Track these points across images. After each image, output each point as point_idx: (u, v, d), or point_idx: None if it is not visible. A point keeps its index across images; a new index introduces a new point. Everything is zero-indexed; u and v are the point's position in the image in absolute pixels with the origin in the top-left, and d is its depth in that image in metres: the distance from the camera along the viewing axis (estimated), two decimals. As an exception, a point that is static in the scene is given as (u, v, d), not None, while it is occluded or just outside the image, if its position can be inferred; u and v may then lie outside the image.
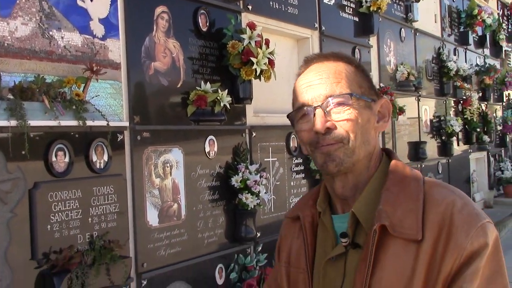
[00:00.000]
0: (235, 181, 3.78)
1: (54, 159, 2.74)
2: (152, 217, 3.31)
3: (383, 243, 1.15)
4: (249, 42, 3.79)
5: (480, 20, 9.01)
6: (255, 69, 3.76)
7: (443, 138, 7.86)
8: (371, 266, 1.14)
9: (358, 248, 1.21)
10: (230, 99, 3.70)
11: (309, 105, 1.23)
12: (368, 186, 1.24)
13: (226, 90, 3.70)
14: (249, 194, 3.78)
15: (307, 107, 1.23)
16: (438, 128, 7.83)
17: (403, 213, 1.15)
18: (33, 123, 2.52)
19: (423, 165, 7.17)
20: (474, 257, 1.09)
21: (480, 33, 9.74)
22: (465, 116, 8.61)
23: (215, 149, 3.81)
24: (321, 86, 1.23)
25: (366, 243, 1.17)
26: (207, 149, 3.74)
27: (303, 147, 1.31)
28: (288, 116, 1.32)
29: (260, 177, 3.89)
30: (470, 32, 8.96)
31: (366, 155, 1.25)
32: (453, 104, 8.53)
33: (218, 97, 3.61)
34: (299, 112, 1.25)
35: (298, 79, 1.30)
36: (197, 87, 3.62)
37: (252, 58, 3.73)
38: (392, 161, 1.28)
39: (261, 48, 3.86)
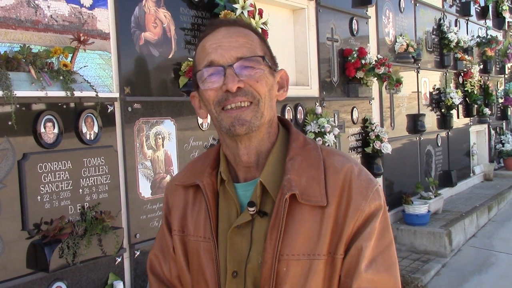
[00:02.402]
0: (229, 153, 3.77)
1: (42, 130, 2.73)
2: (145, 189, 3.32)
3: (290, 210, 1.20)
4: (242, 12, 3.73)
5: (483, -10, 8.87)
6: (248, 39, 3.70)
7: (443, 110, 7.81)
8: (282, 234, 1.19)
9: (265, 216, 1.23)
10: (223, 70, 3.65)
11: (220, 65, 1.20)
12: (271, 155, 1.27)
13: (219, 61, 3.65)
14: (243, 165, 3.76)
15: (217, 66, 1.20)
16: (438, 100, 7.78)
17: (308, 181, 1.22)
18: (19, 93, 2.50)
19: (421, 138, 7.14)
20: (371, 218, 1.21)
21: (482, 3, 9.59)
22: (465, 89, 8.55)
23: (208, 121, 3.78)
24: (232, 47, 1.21)
25: (275, 211, 1.20)
26: (200, 121, 3.73)
27: (203, 110, 1.30)
28: (193, 75, 1.27)
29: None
30: (472, 3, 8.82)
31: (269, 120, 1.26)
32: (453, 77, 8.45)
33: (211, 68, 3.57)
34: (207, 70, 1.21)
35: (205, 39, 1.25)
36: (189, 58, 3.58)
37: (244, 28, 3.67)
38: (292, 130, 1.32)
39: (254, 18, 3.81)
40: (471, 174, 9.11)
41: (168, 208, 1.43)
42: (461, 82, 8.59)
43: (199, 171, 1.35)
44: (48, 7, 2.80)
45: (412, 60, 6.65)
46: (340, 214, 1.20)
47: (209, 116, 1.31)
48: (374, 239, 1.20)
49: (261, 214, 1.24)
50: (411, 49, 6.55)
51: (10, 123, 2.52)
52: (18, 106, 2.58)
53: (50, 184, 2.75)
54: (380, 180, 5.86)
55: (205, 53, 1.23)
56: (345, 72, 5.47)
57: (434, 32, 7.79)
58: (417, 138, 7.06)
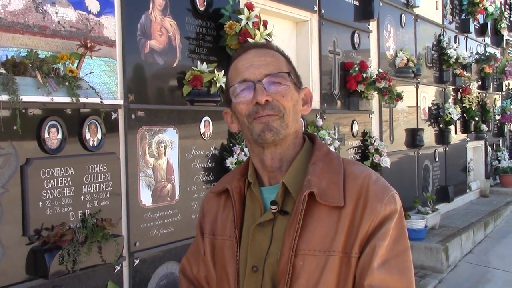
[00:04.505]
0: (230, 163, 3.77)
1: (46, 135, 2.72)
2: (146, 197, 3.30)
3: (309, 209, 1.30)
4: (247, 23, 3.75)
5: (482, 8, 8.96)
6: (252, 50, 3.71)
7: (441, 126, 7.85)
8: (299, 230, 1.28)
9: (286, 215, 1.33)
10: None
11: (251, 80, 1.34)
12: (295, 161, 1.39)
13: (223, 71, 3.67)
14: (244, 176, 3.76)
15: (248, 82, 1.34)
16: (436, 116, 7.82)
17: (327, 184, 1.32)
18: (25, 98, 2.49)
19: (419, 152, 7.16)
20: (386, 220, 1.28)
21: (481, 21, 9.69)
22: (463, 105, 8.60)
23: (211, 130, 3.78)
24: (261, 65, 1.35)
25: (295, 209, 1.30)
26: (202, 130, 3.72)
27: (235, 124, 1.44)
28: (226, 91, 1.42)
29: (255, 159, 3.86)
30: (471, 20, 8.91)
31: (294, 132, 1.38)
32: (452, 92, 8.50)
33: (214, 78, 3.58)
34: (239, 86, 1.35)
35: (238, 59, 1.40)
36: (193, 67, 3.59)
37: (249, 39, 3.69)
38: (317, 141, 1.45)
39: (258, 29, 3.83)
40: (468, 190, 9.14)
41: (203, 214, 1.56)
42: (459, 98, 8.64)
43: (229, 179, 1.48)
44: (56, 13, 2.80)
45: (412, 75, 6.70)
46: (357, 216, 1.28)
47: (211, 126, 1.36)
48: (389, 241, 1.26)
49: (282, 213, 1.33)
50: (411, 64, 6.60)
51: (15, 127, 2.51)
52: (23, 110, 2.58)
53: (52, 190, 2.74)
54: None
55: (238, 72, 1.37)
56: (346, 85, 5.49)
57: (434, 48, 7.84)
58: (415, 153, 7.08)
